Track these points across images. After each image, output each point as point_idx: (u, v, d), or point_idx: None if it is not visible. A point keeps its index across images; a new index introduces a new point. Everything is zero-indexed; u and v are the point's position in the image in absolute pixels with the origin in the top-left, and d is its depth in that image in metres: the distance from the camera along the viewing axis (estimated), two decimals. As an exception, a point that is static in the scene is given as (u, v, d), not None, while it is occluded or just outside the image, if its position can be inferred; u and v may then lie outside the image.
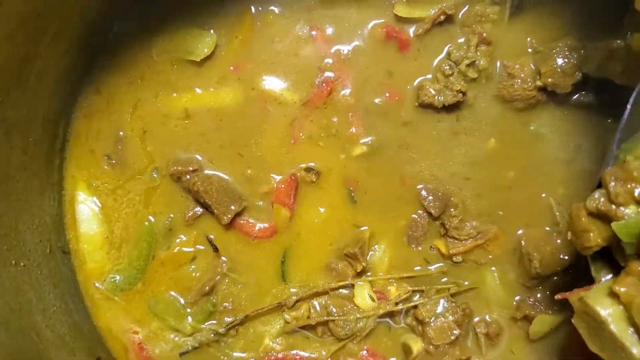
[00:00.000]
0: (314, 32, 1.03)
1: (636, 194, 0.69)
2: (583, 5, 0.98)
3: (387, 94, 1.02)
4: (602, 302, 0.69)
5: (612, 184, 0.72)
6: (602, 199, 0.72)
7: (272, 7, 1.03)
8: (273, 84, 1.03)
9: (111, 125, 1.03)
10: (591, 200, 0.74)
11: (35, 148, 0.95)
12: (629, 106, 0.81)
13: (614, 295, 0.69)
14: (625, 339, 0.66)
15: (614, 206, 0.71)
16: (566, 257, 0.99)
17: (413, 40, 1.02)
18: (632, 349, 0.66)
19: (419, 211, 1.02)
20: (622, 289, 0.67)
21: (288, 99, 1.03)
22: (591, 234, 0.74)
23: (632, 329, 0.66)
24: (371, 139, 1.02)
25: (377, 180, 1.02)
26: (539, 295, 1.01)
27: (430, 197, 1.01)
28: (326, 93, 1.01)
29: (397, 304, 1.00)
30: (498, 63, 1.01)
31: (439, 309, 0.99)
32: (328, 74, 1.02)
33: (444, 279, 1.02)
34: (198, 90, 1.03)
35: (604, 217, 0.72)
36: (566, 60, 0.96)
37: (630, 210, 0.70)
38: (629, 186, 0.70)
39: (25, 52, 0.86)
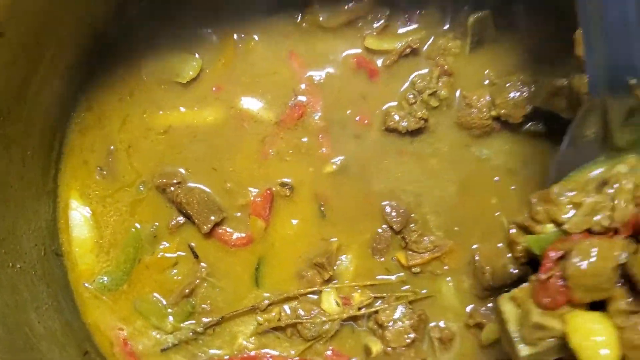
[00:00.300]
0: (290, 58, 1.12)
1: (552, 214, 0.79)
2: (535, 44, 1.08)
3: (358, 118, 1.11)
4: (507, 304, 0.80)
5: (534, 201, 0.82)
6: (527, 215, 0.83)
7: (254, 35, 1.12)
8: (251, 103, 1.12)
9: (103, 139, 1.11)
10: (520, 216, 0.84)
11: (33, 159, 1.03)
12: (565, 142, 0.91)
13: (515, 299, 0.79)
14: (515, 338, 0.78)
15: (534, 223, 0.81)
16: (516, 271, 1.07)
17: (381, 70, 1.11)
18: (518, 346, 0.77)
19: (383, 226, 1.10)
20: (519, 295, 0.78)
21: (264, 117, 1.11)
22: (518, 246, 0.84)
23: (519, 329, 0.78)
24: (341, 159, 1.11)
25: (345, 196, 1.11)
26: (490, 304, 1.09)
27: (394, 213, 1.10)
28: (297, 116, 1.10)
29: (360, 309, 1.09)
30: (458, 93, 1.10)
31: (397, 315, 1.08)
32: (301, 97, 1.11)
33: (404, 287, 1.11)
34: (182, 109, 1.12)
35: (527, 231, 0.83)
36: (518, 93, 1.05)
37: (546, 228, 0.80)
38: (547, 207, 0.81)
39: (25, 75, 0.94)
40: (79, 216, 1.12)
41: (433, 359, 1.10)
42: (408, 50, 1.09)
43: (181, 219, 1.10)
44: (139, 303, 1.10)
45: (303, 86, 1.11)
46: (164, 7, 1.10)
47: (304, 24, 1.11)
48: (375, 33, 1.10)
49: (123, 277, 1.11)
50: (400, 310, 1.08)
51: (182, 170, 1.11)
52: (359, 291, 1.10)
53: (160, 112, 1.12)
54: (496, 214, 1.10)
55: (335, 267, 1.10)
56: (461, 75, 1.10)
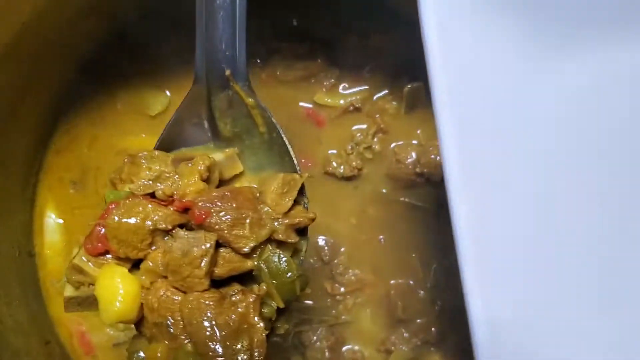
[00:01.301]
0: (249, 102, 1.26)
1: (131, 175, 0.86)
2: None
3: (303, 160, 1.27)
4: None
5: (125, 161, 0.87)
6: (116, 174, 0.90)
7: (218, 80, 1.27)
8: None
9: (76, 160, 1.25)
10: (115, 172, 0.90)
11: (15, 175, 1.17)
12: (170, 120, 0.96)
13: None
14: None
15: (119, 180, 0.88)
16: (425, 304, 1.24)
17: (327, 121, 1.26)
18: (65, 287, 0.85)
19: (315, 257, 1.26)
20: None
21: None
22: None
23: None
24: (282, 196, 1.26)
25: (284, 228, 1.26)
26: (403, 334, 1.25)
27: (326, 248, 1.26)
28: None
29: (287, 328, 1.25)
30: (392, 145, 1.25)
31: (318, 336, 1.24)
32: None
33: (328, 312, 1.27)
34: (143, 135, 1.25)
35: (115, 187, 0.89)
36: (439, 157, 1.20)
37: (125, 187, 0.86)
38: (131, 169, 0.87)
39: (11, 109, 1.08)
40: (52, 223, 1.26)
41: (344, 376, 1.27)
42: (351, 108, 1.24)
43: (139, 235, 1.25)
44: (97, 303, 1.25)
45: (255, 127, 1.26)
46: (141, 51, 1.24)
47: (263, 75, 1.26)
48: (325, 90, 1.25)
49: (85, 279, 1.25)
50: (321, 332, 1.24)
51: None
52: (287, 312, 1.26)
53: (126, 138, 1.25)
54: (412, 255, 1.26)
55: (269, 289, 1.25)
56: (395, 133, 1.25)
